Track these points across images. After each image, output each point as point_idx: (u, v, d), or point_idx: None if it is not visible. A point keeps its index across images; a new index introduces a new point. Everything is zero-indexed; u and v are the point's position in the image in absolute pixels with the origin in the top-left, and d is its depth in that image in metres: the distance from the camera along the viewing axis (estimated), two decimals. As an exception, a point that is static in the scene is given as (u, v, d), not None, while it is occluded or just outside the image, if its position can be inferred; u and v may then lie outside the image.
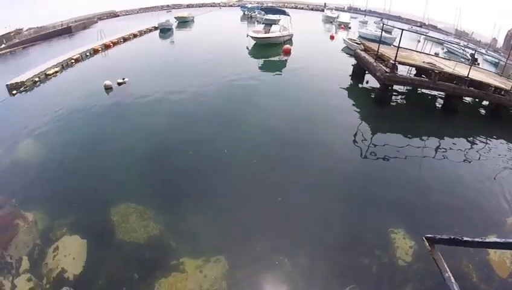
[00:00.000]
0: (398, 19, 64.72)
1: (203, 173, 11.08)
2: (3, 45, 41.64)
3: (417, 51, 21.44)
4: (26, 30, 50.16)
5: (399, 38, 16.17)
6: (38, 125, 16.25)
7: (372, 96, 17.85)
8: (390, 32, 36.91)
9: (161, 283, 7.02)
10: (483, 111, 18.37)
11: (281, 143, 12.92)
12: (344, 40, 31.73)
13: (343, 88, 19.38)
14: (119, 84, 20.78)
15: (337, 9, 71.97)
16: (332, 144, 12.82)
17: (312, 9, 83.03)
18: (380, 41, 18.64)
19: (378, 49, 17.80)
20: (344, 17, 55.75)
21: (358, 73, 20.79)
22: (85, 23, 60.01)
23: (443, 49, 37.48)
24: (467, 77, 15.78)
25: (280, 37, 32.14)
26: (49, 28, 53.28)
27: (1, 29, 45.41)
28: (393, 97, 17.40)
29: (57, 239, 8.52)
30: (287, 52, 28.59)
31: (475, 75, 16.78)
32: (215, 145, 12.70)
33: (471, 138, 14.32)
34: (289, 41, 34.13)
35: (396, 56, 15.74)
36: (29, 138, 14.97)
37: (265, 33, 32.60)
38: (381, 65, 16.63)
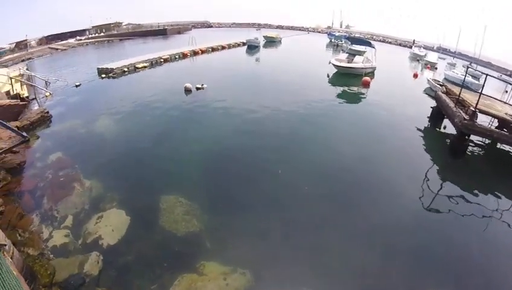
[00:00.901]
0: (488, 65, 59.89)
1: (256, 188, 11.16)
2: (102, 34, 47.28)
3: (502, 101, 19.53)
4: (125, 24, 56.70)
5: (483, 84, 15.15)
6: (117, 108, 18.28)
7: (448, 143, 16.66)
8: (478, 78, 34.27)
9: (183, 277, 7.13)
10: None
11: (339, 175, 12.47)
12: (428, 80, 30.03)
13: (419, 130, 18.24)
14: (197, 89, 22.32)
15: (426, 47, 69.16)
16: (392, 186, 12.06)
17: (400, 44, 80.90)
18: (465, 86, 17.32)
19: (459, 93, 16.80)
20: (432, 56, 53.07)
21: (436, 116, 19.73)
22: (180, 28, 66.19)
23: None
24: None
25: (362, 68, 31.95)
26: (147, 26, 59.49)
27: (102, 20, 52.08)
28: (470, 148, 15.93)
29: (104, 209, 9.23)
30: (366, 85, 28.15)
31: None
32: (274, 165, 12.66)
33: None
34: (371, 73, 33.80)
35: (477, 103, 14.71)
36: (107, 117, 16.86)
37: (347, 62, 32.73)
38: (461, 111, 15.68)
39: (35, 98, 19.40)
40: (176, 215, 9.19)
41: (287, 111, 19.12)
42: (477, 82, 32.27)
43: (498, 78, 23.28)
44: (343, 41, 57.23)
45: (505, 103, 19.79)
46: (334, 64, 31.25)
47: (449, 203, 11.25)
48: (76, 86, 22.33)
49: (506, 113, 15.85)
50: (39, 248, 7.60)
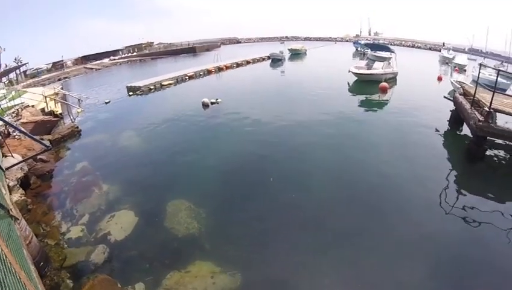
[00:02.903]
0: None
1: (261, 199, 11.58)
2: (134, 53, 50.34)
3: None
4: (157, 44, 59.91)
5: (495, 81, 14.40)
6: (140, 123, 19.95)
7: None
8: (510, 78, 32.31)
9: (174, 273, 7.91)
10: None
11: (355, 182, 12.55)
12: (452, 82, 28.65)
13: (439, 134, 17.91)
14: (212, 103, 23.67)
15: (457, 50, 66.87)
16: (408, 193, 11.91)
17: (430, 48, 78.70)
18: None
19: (474, 93, 15.82)
20: (461, 58, 50.45)
21: (456, 119, 18.73)
22: (209, 46, 68.81)
23: None
24: None
25: (382, 74, 31.43)
26: (177, 45, 62.42)
27: (135, 40, 55.51)
28: (495, 152, 15.25)
29: (117, 210, 10.47)
30: (383, 90, 27.72)
31: None
32: (283, 179, 12.95)
33: None
34: (393, 79, 33.28)
35: (491, 102, 13.66)
36: (131, 131, 18.50)
37: (367, 69, 32.63)
38: (476, 113, 14.83)
39: (68, 115, 21.46)
40: (180, 218, 10.13)
41: (304, 123, 19.53)
42: (505, 81, 30.12)
43: None
44: (368, 49, 57.05)
45: (532, 101, 18.14)
46: (353, 72, 31.16)
47: (464, 210, 11.01)
48: (106, 103, 24.40)
49: None
50: (57, 239, 8.94)
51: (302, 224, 10.10)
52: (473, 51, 69.03)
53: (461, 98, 17.71)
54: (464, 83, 24.21)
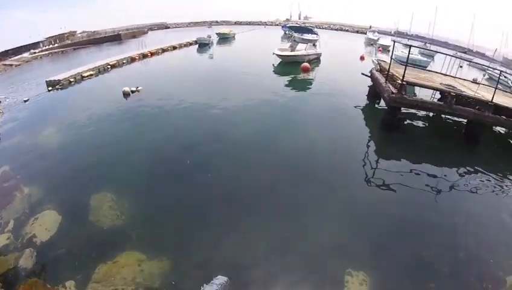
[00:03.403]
0: (445, 44, 63.82)
1: (183, 184, 12.33)
2: (56, 44, 46.89)
3: (441, 73, 19.80)
4: (80, 33, 56.03)
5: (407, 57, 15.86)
6: (60, 119, 19.38)
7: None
8: (431, 56, 36.37)
9: (102, 266, 8.37)
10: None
11: (280, 163, 13.38)
12: (372, 61, 30.34)
13: (359, 109, 19.59)
14: (133, 92, 23.54)
15: (383, 32, 72.38)
16: (333, 168, 13.01)
17: (357, 31, 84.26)
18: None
19: (388, 69, 17.01)
20: (385, 40, 55.17)
21: (373, 94, 20.32)
22: (135, 32, 65.84)
23: (484, 75, 35.56)
24: (491, 101, 13.95)
25: (305, 55, 32.97)
26: (101, 33, 58.94)
27: (55, 30, 51.34)
28: (412, 122, 17.16)
29: (41, 211, 10.67)
30: (305, 70, 29.37)
31: (504, 100, 15.05)
32: (206, 161, 13.70)
33: (493, 174, 12.83)
34: (317, 60, 35.38)
35: (403, 76, 14.56)
36: (52, 128, 17.94)
37: (291, 51, 33.83)
38: (390, 86, 15.88)
39: (-14, 119, 20.25)
40: (104, 211, 10.58)
41: (229, 105, 20.17)
42: (425, 59, 33.94)
43: (447, 54, 23.40)
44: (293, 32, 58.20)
45: (445, 74, 20.16)
46: (277, 54, 32.26)
47: (387, 175, 12.47)
48: (25, 101, 23.12)
49: (441, 83, 15.93)
50: (-16, 251, 9.09)
51: (228, 204, 10.89)
52: (399, 34, 74.56)
53: (377, 74, 19.31)
54: (382, 61, 25.78)
